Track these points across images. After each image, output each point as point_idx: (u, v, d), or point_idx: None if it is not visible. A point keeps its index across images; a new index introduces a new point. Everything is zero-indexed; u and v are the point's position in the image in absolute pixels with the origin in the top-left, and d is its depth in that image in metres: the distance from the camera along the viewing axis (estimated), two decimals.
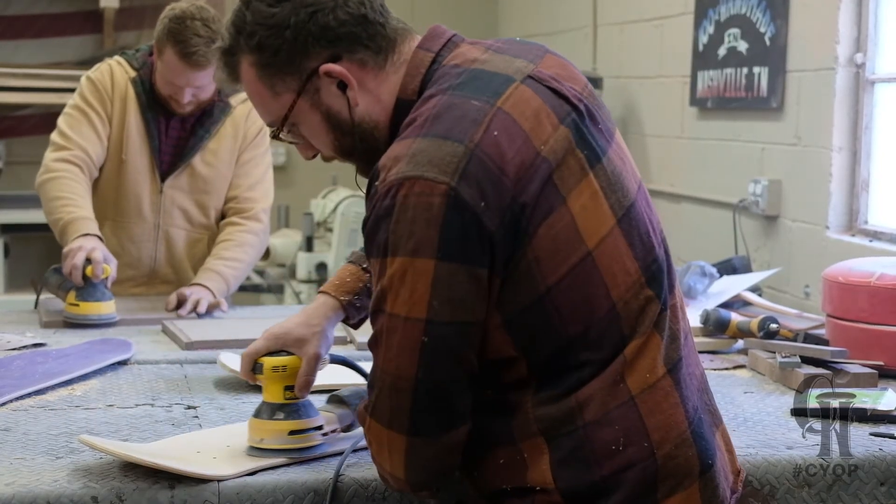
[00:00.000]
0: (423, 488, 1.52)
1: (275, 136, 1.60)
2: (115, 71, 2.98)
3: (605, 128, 1.54)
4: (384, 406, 1.44)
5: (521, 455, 1.47)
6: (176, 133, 3.00)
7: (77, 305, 2.71)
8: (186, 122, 3.00)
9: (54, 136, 2.96)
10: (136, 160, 2.98)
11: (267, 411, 1.72)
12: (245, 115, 3.05)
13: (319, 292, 1.80)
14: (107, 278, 2.71)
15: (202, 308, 2.82)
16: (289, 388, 1.71)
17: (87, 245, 2.70)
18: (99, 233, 2.82)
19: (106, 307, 2.73)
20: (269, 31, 1.52)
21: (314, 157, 1.63)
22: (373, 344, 1.47)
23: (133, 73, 2.97)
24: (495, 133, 1.42)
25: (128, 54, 3.03)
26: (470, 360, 1.45)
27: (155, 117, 2.96)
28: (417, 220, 1.38)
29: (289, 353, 1.72)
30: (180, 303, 2.83)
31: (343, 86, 1.53)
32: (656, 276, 1.51)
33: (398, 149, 1.43)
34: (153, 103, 2.95)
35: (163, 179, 3.01)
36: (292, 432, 1.70)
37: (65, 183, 2.87)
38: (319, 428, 1.73)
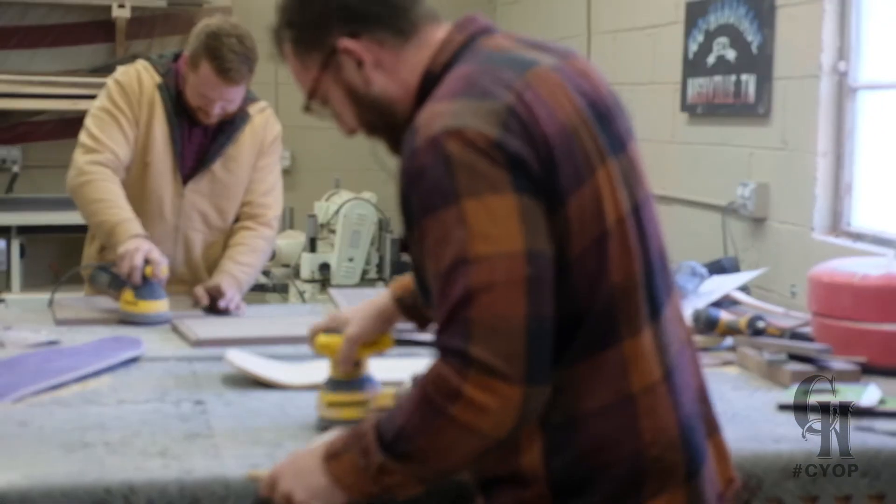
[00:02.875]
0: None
1: (305, 109, 1.64)
2: (143, 76, 2.98)
3: (618, 135, 1.53)
4: (493, 356, 1.34)
5: (516, 439, 1.43)
6: (198, 139, 3.03)
7: (136, 304, 2.75)
8: (208, 129, 3.03)
9: (83, 137, 2.97)
10: (159, 164, 3.00)
11: (326, 384, 1.89)
12: (263, 124, 3.09)
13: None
14: (162, 278, 2.77)
15: (234, 305, 2.89)
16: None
17: (143, 246, 2.76)
18: (146, 233, 2.87)
19: (163, 305, 2.78)
20: (298, 8, 1.60)
21: (354, 133, 1.64)
22: (462, 304, 1.35)
23: (159, 79, 2.97)
24: (525, 97, 1.44)
25: (153, 59, 3.03)
26: (554, 299, 1.40)
27: (179, 123, 2.99)
28: (479, 162, 1.37)
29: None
30: (212, 297, 2.88)
31: (361, 63, 1.56)
32: (653, 278, 1.51)
33: (436, 107, 1.43)
34: (178, 110, 2.97)
35: (184, 183, 3.04)
36: (340, 404, 1.86)
37: (103, 185, 2.90)
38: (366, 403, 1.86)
